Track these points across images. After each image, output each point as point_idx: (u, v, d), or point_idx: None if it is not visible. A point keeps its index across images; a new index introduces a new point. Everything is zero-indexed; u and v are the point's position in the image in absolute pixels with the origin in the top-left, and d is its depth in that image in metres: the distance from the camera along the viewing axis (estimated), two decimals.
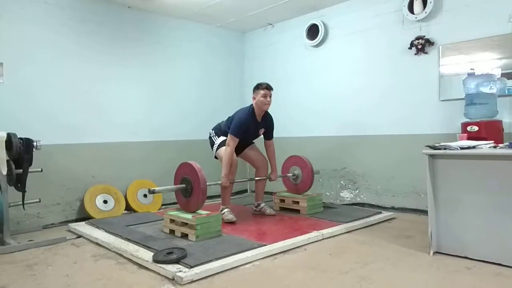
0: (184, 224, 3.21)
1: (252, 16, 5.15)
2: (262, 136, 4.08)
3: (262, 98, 3.78)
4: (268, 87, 3.82)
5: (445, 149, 2.72)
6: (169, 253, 2.64)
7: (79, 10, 4.28)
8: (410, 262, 2.66)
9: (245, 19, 5.28)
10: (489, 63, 3.62)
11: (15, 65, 3.85)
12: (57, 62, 4.13)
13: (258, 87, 3.83)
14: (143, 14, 4.82)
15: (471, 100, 3.44)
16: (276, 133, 4.17)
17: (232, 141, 3.74)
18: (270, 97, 3.84)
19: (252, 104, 3.87)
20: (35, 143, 3.41)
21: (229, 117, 4.00)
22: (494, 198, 2.55)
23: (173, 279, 2.39)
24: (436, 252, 2.79)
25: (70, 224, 3.84)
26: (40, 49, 4.01)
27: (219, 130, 4.04)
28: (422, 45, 4.01)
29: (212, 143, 4.05)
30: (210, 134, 4.11)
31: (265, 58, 5.71)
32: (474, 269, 2.49)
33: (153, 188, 3.20)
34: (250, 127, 3.85)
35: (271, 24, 5.58)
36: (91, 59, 4.37)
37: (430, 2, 3.91)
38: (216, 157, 4.05)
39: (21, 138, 3.35)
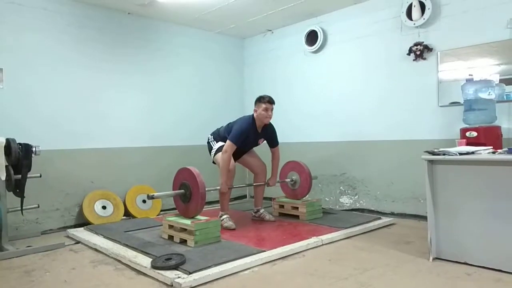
0: (183, 229, 3.20)
1: (251, 22, 5.17)
2: (265, 143, 4.08)
3: (263, 112, 3.79)
4: (270, 101, 3.82)
5: (444, 154, 2.72)
6: (167, 259, 2.63)
7: (79, 16, 4.30)
8: (409, 268, 2.65)
9: (245, 25, 5.31)
10: (488, 69, 3.64)
11: (15, 71, 3.86)
12: (57, 68, 4.14)
13: (260, 100, 3.83)
14: (143, 20, 4.84)
15: (469, 105, 3.45)
16: None
17: (230, 147, 3.73)
18: (272, 110, 3.84)
19: (253, 114, 3.88)
20: (34, 149, 3.41)
21: (229, 123, 4.00)
22: (493, 203, 2.55)
23: (172, 285, 2.38)
24: (435, 258, 2.78)
25: (68, 230, 3.83)
26: (39, 55, 4.03)
27: (218, 135, 4.04)
28: (420, 51, 4.02)
29: (210, 148, 4.05)
30: (208, 139, 4.11)
31: (264, 64, 5.73)
32: (474, 275, 2.48)
33: (152, 194, 3.19)
34: (249, 136, 3.85)
35: (270, 30, 5.61)
36: (91, 65, 4.38)
37: (429, 9, 3.93)
38: (214, 162, 4.05)
39: (20, 144, 3.36)
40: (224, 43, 5.74)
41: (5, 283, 2.52)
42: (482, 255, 2.59)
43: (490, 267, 2.54)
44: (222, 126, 4.09)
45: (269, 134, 4.02)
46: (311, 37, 5.03)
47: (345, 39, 4.76)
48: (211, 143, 4.06)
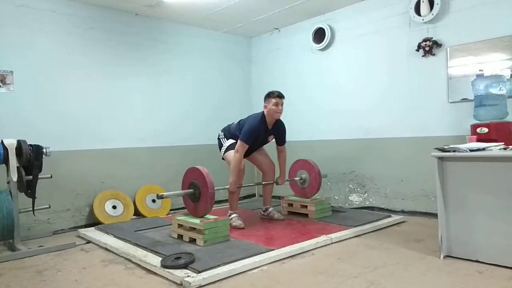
0: (192, 229, 3.21)
1: (258, 21, 5.16)
2: (274, 141, 4.07)
3: (273, 107, 3.77)
4: (280, 96, 3.80)
5: (454, 151, 2.69)
6: (177, 258, 2.65)
7: (87, 18, 4.33)
8: (420, 266, 2.62)
9: (252, 24, 5.30)
10: (498, 64, 3.58)
11: (25, 73, 3.91)
12: (66, 70, 4.18)
13: (269, 95, 3.81)
14: (150, 21, 4.86)
15: (480, 101, 3.40)
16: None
17: (241, 147, 3.72)
18: (282, 105, 3.82)
19: (263, 111, 3.86)
20: (44, 150, 3.46)
21: (240, 121, 3.99)
22: (504, 200, 2.51)
23: (181, 284, 2.39)
24: (446, 256, 2.75)
25: (79, 230, 3.88)
26: (49, 57, 4.07)
27: (228, 132, 4.03)
28: (429, 47, 3.98)
29: (220, 145, 4.04)
30: (219, 136, 4.10)
31: (271, 62, 5.72)
32: (485, 273, 2.45)
33: (161, 193, 3.22)
34: (260, 134, 3.84)
35: (277, 29, 5.59)
36: (99, 66, 4.42)
37: (437, 4, 3.88)
38: (223, 158, 4.05)
39: (31, 145, 3.40)
40: (231, 42, 5.74)
41: (17, 283, 2.56)
42: (494, 252, 2.55)
43: (502, 264, 2.51)
44: (233, 123, 4.08)
45: (279, 131, 4.00)
46: (319, 35, 5.01)
47: (352, 36, 4.73)
48: (221, 140, 4.05)
